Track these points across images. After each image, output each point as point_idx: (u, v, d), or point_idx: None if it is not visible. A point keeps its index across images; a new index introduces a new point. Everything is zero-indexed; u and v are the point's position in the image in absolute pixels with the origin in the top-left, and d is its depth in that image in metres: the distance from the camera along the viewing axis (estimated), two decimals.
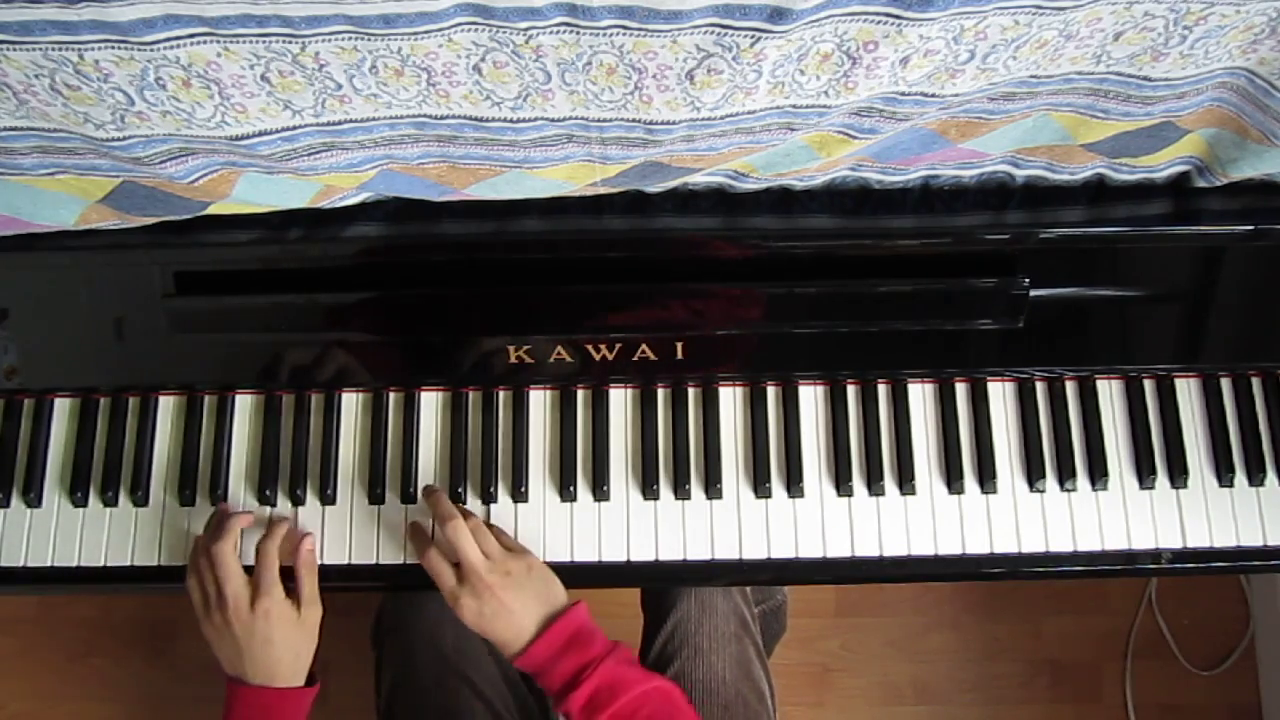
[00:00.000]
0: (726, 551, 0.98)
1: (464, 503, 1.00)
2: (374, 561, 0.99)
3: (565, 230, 0.94)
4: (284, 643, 0.90)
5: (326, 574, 0.97)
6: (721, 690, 1.04)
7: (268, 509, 1.00)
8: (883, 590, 1.72)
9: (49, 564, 0.99)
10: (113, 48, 0.64)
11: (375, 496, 1.00)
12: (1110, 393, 1.02)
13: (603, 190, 0.89)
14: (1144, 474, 1.00)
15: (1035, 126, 0.86)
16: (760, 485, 0.99)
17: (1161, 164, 0.92)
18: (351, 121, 0.75)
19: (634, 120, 0.75)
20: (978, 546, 0.98)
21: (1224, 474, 1.00)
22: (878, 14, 0.65)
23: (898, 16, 0.65)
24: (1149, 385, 1.02)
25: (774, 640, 1.28)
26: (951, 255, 0.96)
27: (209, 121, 0.72)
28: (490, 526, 0.95)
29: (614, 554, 0.98)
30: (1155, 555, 0.98)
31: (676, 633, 1.08)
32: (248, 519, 0.96)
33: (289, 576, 0.94)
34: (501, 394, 1.02)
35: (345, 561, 0.98)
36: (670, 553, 0.98)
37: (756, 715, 1.05)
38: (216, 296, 0.97)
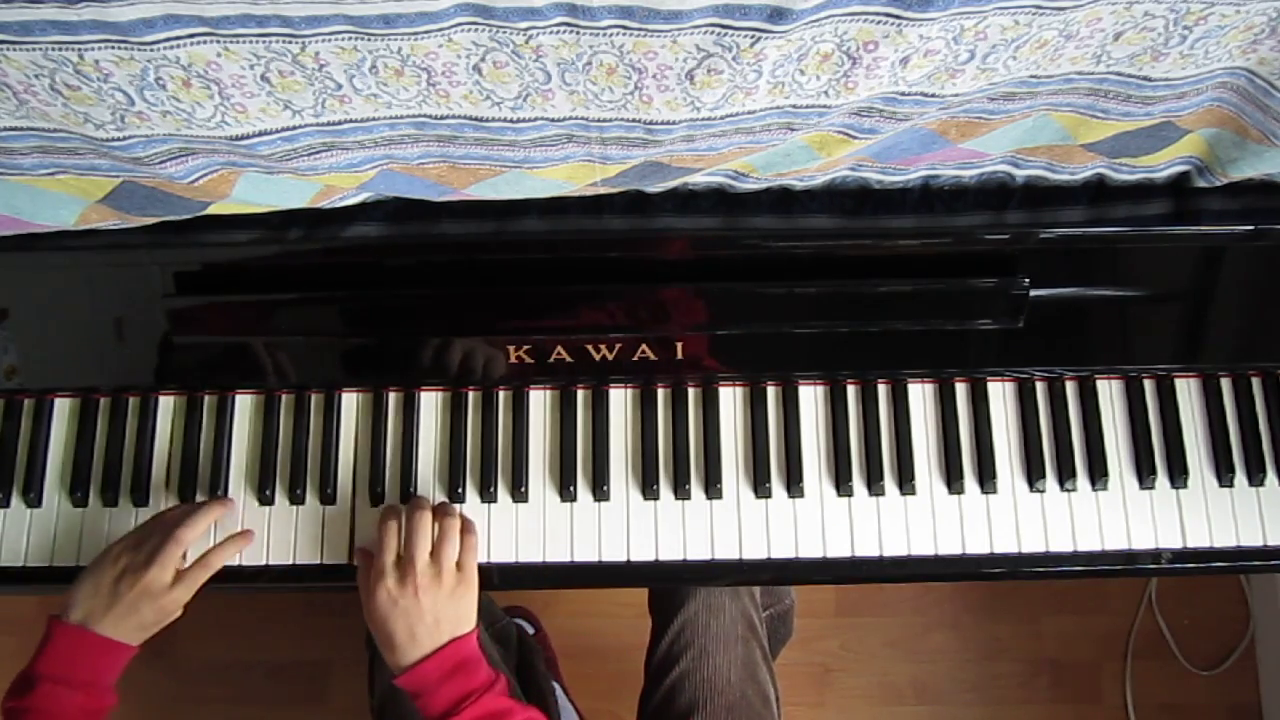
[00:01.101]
0: (726, 551, 0.98)
1: (464, 503, 1.00)
2: None
3: (565, 230, 0.94)
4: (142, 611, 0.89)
5: (327, 574, 0.97)
6: (726, 691, 1.04)
7: (267, 508, 1.00)
8: (883, 590, 1.72)
9: (49, 564, 0.99)
10: (113, 48, 0.64)
11: (375, 496, 1.00)
12: (1110, 393, 1.02)
13: (603, 190, 0.89)
14: (1144, 474, 1.00)
15: (1035, 126, 0.86)
16: (760, 485, 0.99)
17: (1161, 164, 0.92)
18: (351, 121, 0.75)
19: (634, 120, 0.75)
20: (978, 546, 0.98)
21: (1224, 474, 1.00)
22: (878, 14, 0.65)
23: (898, 16, 0.65)
24: (1149, 385, 1.02)
25: (780, 644, 1.28)
26: (951, 255, 0.96)
27: (209, 121, 0.72)
28: (465, 540, 0.93)
29: (614, 554, 0.98)
30: (1155, 555, 0.98)
31: (683, 634, 1.08)
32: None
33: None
34: (501, 394, 1.02)
35: (345, 562, 0.98)
36: (670, 553, 0.98)
37: (760, 717, 1.05)
38: (216, 296, 0.97)
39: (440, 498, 1.00)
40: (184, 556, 0.92)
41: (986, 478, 1.00)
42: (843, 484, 0.99)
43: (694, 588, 1.09)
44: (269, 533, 0.99)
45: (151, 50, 0.65)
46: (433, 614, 0.87)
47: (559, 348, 0.98)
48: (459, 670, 0.87)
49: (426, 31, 0.65)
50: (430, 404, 1.02)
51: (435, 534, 0.92)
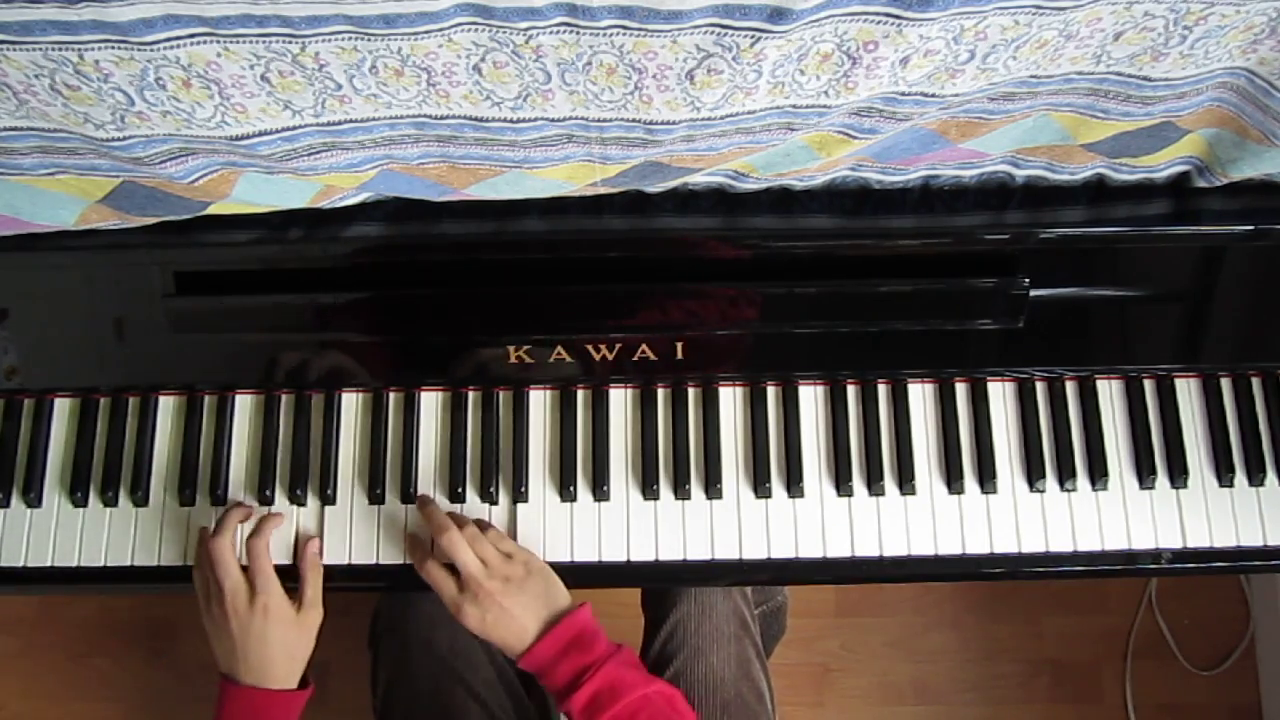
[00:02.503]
0: (726, 551, 0.98)
1: (464, 503, 1.00)
2: (374, 561, 0.99)
3: (565, 230, 0.94)
4: (280, 642, 0.90)
5: (327, 574, 0.97)
6: (720, 690, 1.04)
7: (266, 508, 1.00)
8: (883, 590, 1.72)
9: (49, 564, 0.99)
10: (113, 48, 0.64)
11: (375, 496, 1.00)
12: (1110, 393, 1.02)
13: (603, 190, 0.89)
14: (1144, 474, 1.00)
15: (1035, 126, 0.86)
16: (760, 485, 0.99)
17: (1161, 164, 0.92)
18: (351, 121, 0.75)
19: (634, 120, 0.75)
20: (978, 546, 0.98)
21: (1224, 474, 1.00)
22: (878, 14, 0.65)
23: (898, 16, 0.65)
24: (1149, 385, 1.02)
25: (774, 641, 1.28)
26: (951, 255, 0.96)
27: (209, 121, 0.72)
28: (488, 530, 0.95)
29: (614, 554, 0.98)
30: (1155, 555, 0.98)
31: (676, 633, 1.08)
32: (242, 513, 0.96)
33: (291, 577, 0.94)
34: (501, 394, 1.02)
35: (345, 561, 0.98)
36: (670, 553, 0.98)
37: (755, 715, 1.05)
38: (216, 296, 0.97)
39: (440, 498, 1.00)
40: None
41: (986, 478, 1.00)
42: (843, 484, 0.99)
43: (687, 587, 1.09)
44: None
45: (151, 50, 0.65)
46: (520, 606, 0.88)
47: (559, 348, 0.98)
48: (575, 645, 0.88)
49: (426, 31, 0.65)
50: (430, 404, 1.02)
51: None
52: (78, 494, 1.00)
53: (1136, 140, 0.87)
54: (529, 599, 0.89)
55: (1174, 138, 0.87)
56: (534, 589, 0.90)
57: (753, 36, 0.65)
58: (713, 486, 0.99)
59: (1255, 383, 1.03)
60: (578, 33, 0.66)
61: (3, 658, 1.67)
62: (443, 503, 0.99)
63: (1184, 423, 1.01)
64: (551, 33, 0.66)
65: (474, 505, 1.00)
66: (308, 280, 0.96)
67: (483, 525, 0.96)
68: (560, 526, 0.99)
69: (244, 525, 0.96)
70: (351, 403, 1.02)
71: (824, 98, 0.74)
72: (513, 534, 0.98)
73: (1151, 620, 1.71)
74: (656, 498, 1.00)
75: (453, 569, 0.90)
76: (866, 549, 0.98)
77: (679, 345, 0.98)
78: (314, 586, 0.94)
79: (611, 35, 0.66)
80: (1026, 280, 0.95)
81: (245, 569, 0.92)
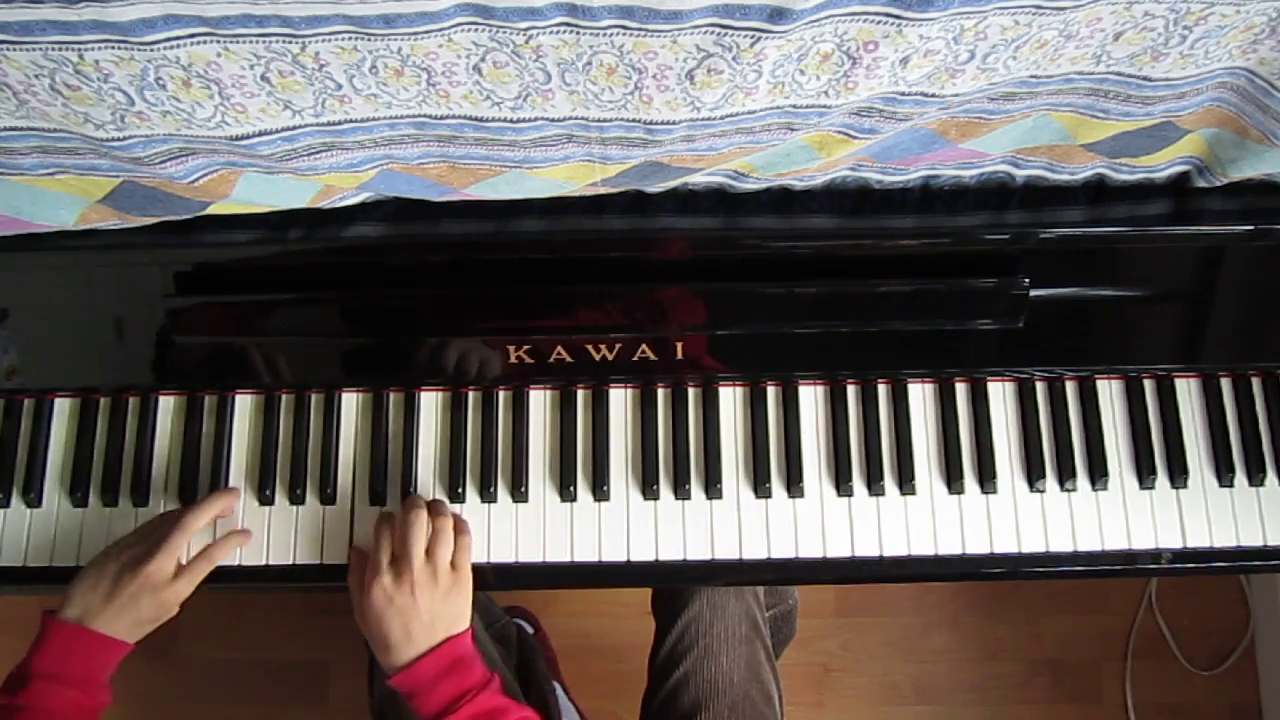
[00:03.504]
0: (726, 551, 0.98)
1: (464, 503, 1.00)
2: None
3: (565, 230, 0.94)
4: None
5: (327, 574, 0.97)
6: (729, 691, 1.04)
7: (267, 509, 1.00)
8: (883, 590, 1.72)
9: (49, 564, 0.99)
10: (113, 48, 0.64)
11: (375, 496, 1.00)
12: (1110, 393, 1.02)
13: (603, 190, 0.89)
14: (1144, 474, 1.00)
15: (1035, 126, 0.86)
16: (760, 485, 0.99)
17: (1161, 164, 0.92)
18: (351, 121, 0.75)
19: (634, 120, 0.75)
20: (978, 546, 0.98)
21: (1224, 474, 1.00)
22: (878, 14, 0.65)
23: (898, 16, 0.65)
24: (1149, 385, 1.02)
25: (783, 645, 1.28)
26: (951, 255, 0.96)
27: (209, 121, 0.72)
28: (461, 537, 0.93)
29: (614, 554, 0.98)
30: (1155, 555, 0.98)
31: (687, 633, 1.08)
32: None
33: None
34: (501, 394, 1.02)
35: (345, 561, 0.98)
36: (670, 553, 0.98)
37: (764, 717, 1.05)
38: (216, 296, 0.97)
39: (440, 498, 1.00)
40: (186, 551, 0.92)
41: (986, 478, 1.00)
42: (843, 484, 0.99)
43: (697, 588, 1.09)
44: (269, 533, 0.99)
45: (151, 50, 0.65)
46: (429, 613, 0.87)
47: (559, 348, 0.98)
48: (454, 669, 0.86)
49: (426, 31, 0.65)
50: (430, 404, 1.02)
51: (429, 534, 0.91)
52: (78, 494, 1.00)
53: (1136, 140, 0.87)
54: (438, 612, 0.87)
55: (1174, 138, 0.87)
56: (449, 608, 0.88)
57: (753, 36, 0.65)
58: (713, 486, 0.99)
59: (1255, 383, 1.03)
60: (578, 33, 0.66)
61: (3, 658, 1.67)
62: None
63: (1184, 423, 1.01)
64: (551, 33, 0.66)
65: (474, 505, 1.00)
66: (308, 280, 0.96)
67: (462, 528, 0.94)
68: (560, 526, 0.99)
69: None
70: (351, 403, 1.02)
71: (824, 98, 0.74)
72: (513, 534, 0.98)
73: (1151, 620, 1.71)
74: (656, 498, 1.00)
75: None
76: (866, 549, 0.98)
77: (679, 345, 0.98)
78: (194, 578, 0.91)
79: (611, 35, 0.66)
80: (1026, 280, 0.95)
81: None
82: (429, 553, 0.89)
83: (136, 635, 0.90)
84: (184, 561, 0.92)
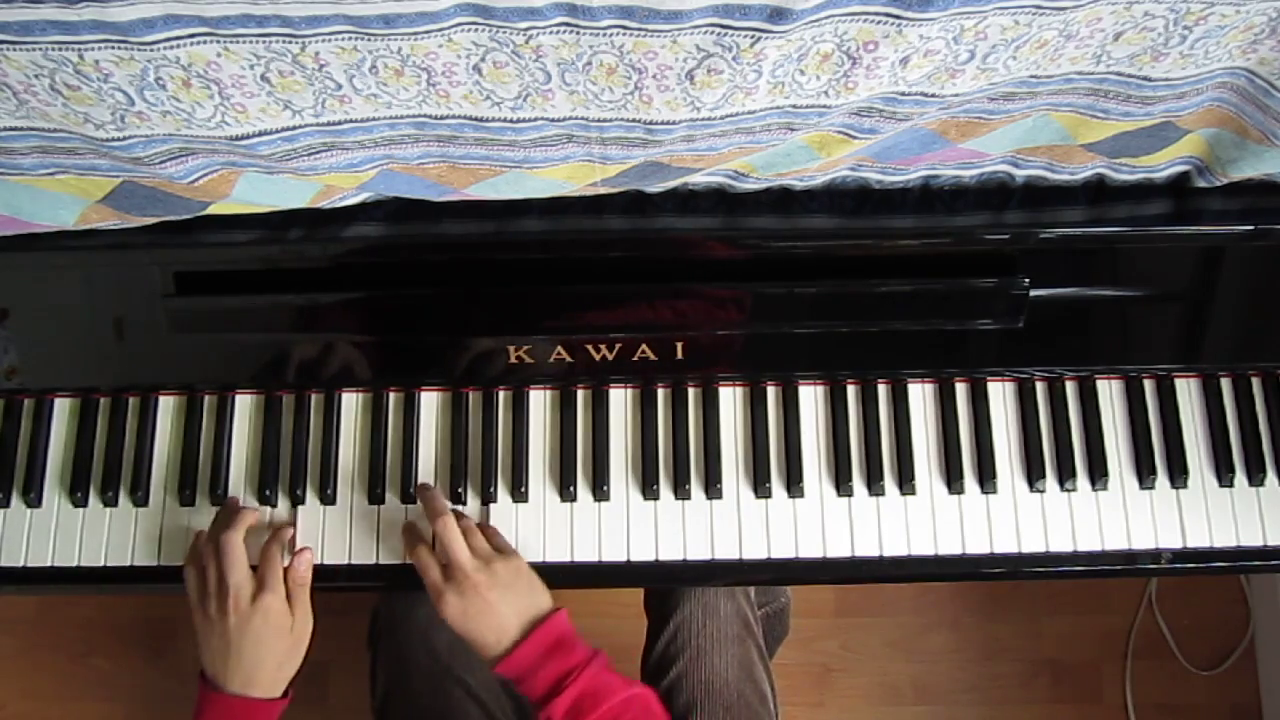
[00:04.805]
0: (726, 551, 0.98)
1: (464, 503, 1.00)
2: (374, 561, 0.99)
3: (565, 230, 0.94)
4: (273, 646, 0.88)
5: (327, 574, 0.97)
6: (724, 691, 1.04)
7: (269, 510, 1.00)
8: (883, 590, 1.72)
9: (49, 564, 0.99)
10: (113, 48, 0.64)
11: (375, 496, 1.00)
12: (1110, 393, 1.02)
13: (603, 190, 0.89)
14: (1144, 474, 1.00)
15: (1035, 126, 0.86)
16: (760, 485, 0.99)
17: (1161, 164, 0.92)
18: (351, 121, 0.75)
19: (634, 120, 0.75)
20: (978, 546, 0.98)
21: (1224, 474, 1.00)
22: (878, 14, 0.65)
23: (898, 16, 0.65)
24: (1149, 385, 1.02)
25: (776, 643, 1.28)
26: (951, 255, 0.96)
27: (209, 121, 0.72)
28: (484, 527, 0.95)
29: (614, 554, 0.98)
30: (1155, 555, 0.98)
31: (679, 634, 1.08)
32: (254, 517, 0.95)
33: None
34: (501, 394, 1.02)
35: (345, 561, 0.98)
36: (670, 553, 0.98)
37: (758, 716, 1.05)
38: (216, 296, 0.97)
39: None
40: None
41: (986, 478, 1.00)
42: (843, 484, 0.99)
43: (689, 587, 1.09)
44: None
45: (151, 50, 0.65)
46: (503, 603, 0.88)
47: (559, 348, 0.98)
48: (556, 650, 0.87)
49: (426, 31, 0.65)
50: (430, 404, 1.02)
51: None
52: (78, 494, 1.00)
53: (1136, 140, 0.87)
54: (513, 596, 0.89)
55: (1174, 138, 0.87)
56: (518, 589, 0.90)
57: (753, 36, 0.65)
58: (713, 486, 0.99)
59: (1255, 383, 1.03)
60: (578, 33, 0.66)
61: (3, 658, 1.67)
62: None
63: (1184, 422, 1.01)
64: (551, 33, 0.66)
65: (474, 505, 1.00)
66: (308, 280, 0.96)
67: (481, 524, 0.96)
68: (560, 526, 0.99)
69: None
70: (351, 403, 1.02)
71: (824, 98, 0.74)
72: (513, 534, 0.98)
73: (1151, 620, 1.71)
74: (656, 498, 1.00)
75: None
76: (866, 549, 0.98)
77: (679, 345, 0.98)
78: (305, 602, 0.92)
79: (611, 35, 0.66)
80: (1026, 280, 0.95)
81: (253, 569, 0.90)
82: (472, 549, 0.90)
83: (283, 680, 0.90)
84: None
